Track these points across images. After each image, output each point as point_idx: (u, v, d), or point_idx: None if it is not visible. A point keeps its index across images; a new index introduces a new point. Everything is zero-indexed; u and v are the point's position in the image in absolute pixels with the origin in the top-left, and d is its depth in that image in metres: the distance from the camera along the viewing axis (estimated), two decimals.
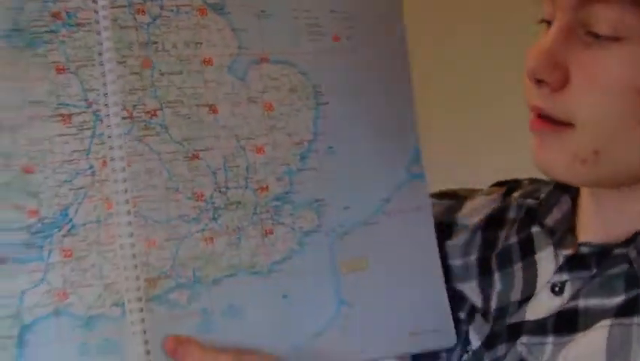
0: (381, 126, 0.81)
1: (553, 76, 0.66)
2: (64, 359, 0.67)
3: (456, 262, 0.82)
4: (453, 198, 0.87)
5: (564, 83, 0.66)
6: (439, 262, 0.81)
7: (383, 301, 0.78)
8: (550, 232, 0.75)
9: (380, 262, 0.78)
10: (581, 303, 0.69)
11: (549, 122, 0.68)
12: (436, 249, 0.81)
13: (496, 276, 0.78)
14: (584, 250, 0.72)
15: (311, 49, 0.78)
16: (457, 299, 0.80)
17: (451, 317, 0.79)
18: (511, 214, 0.81)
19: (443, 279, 0.80)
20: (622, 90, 0.65)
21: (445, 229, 0.83)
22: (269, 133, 0.76)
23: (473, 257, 0.81)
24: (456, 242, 0.83)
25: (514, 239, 0.79)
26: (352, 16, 0.81)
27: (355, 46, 0.80)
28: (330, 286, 0.76)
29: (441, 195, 0.88)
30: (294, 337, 0.74)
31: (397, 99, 0.82)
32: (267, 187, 0.76)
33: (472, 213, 0.84)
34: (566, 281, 0.71)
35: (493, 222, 0.82)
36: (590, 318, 0.67)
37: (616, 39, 0.64)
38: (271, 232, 0.76)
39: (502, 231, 0.81)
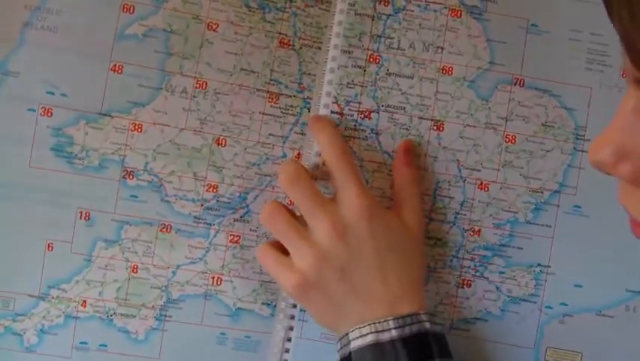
0: None
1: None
2: (201, 343, 0.62)
3: None
4: None
5: None
6: None
7: None
8: None
9: None
10: None
11: None
12: None
13: None
14: None
15: (586, 81, 0.63)
16: None
17: None
18: None
19: None
20: None
21: None
22: (501, 169, 0.63)
23: None
24: None
25: None
26: None
27: None
28: None
29: None
30: None
31: None
32: (479, 231, 0.63)
33: None
34: None
35: None
36: None
37: None
38: (468, 285, 0.62)
39: None
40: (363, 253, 0.57)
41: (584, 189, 0.63)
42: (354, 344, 0.56)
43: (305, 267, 0.57)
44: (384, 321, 0.56)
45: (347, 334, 0.57)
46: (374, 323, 0.56)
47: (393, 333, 0.55)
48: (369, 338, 0.55)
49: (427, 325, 0.56)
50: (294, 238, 0.58)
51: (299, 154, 0.63)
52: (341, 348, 0.57)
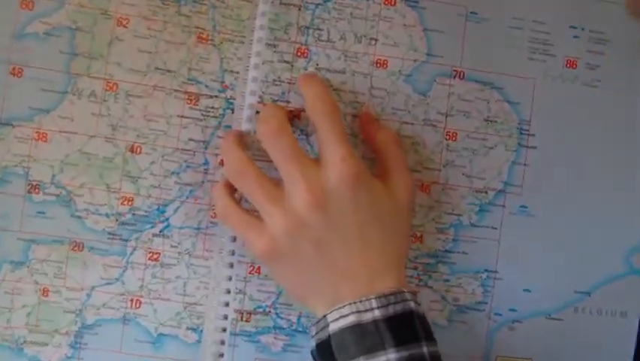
0: (601, 194, 0.59)
1: None
2: None
3: None
4: None
5: None
6: None
7: None
8: None
9: None
10: None
11: None
12: None
13: None
14: None
15: (529, 72, 0.59)
16: None
17: None
18: None
19: None
20: None
21: None
22: (442, 169, 0.58)
23: None
24: None
25: None
26: (604, 39, 0.59)
27: (596, 79, 0.59)
28: None
29: None
30: None
31: (632, 163, 0.59)
32: (421, 237, 0.58)
33: None
34: None
35: None
36: None
37: None
38: None
39: None
40: (344, 224, 0.52)
41: (529, 187, 0.59)
42: (334, 326, 0.50)
43: (277, 233, 0.52)
44: (367, 300, 0.50)
45: (325, 316, 0.51)
46: (355, 303, 0.50)
47: (377, 313, 0.50)
48: (351, 319, 0.50)
49: (412, 304, 0.51)
50: (267, 203, 0.52)
51: (222, 161, 0.57)
52: (317, 333, 0.51)
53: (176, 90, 0.57)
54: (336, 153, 0.52)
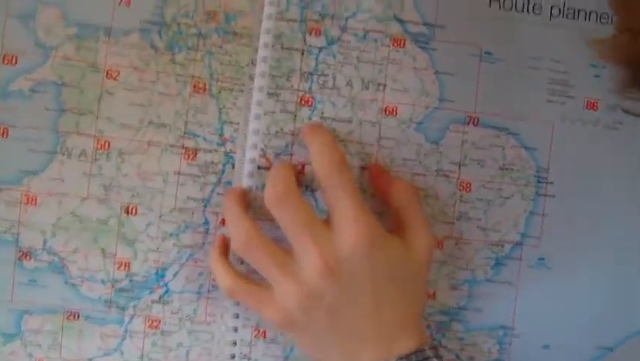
0: (624, 244, 0.56)
1: None
2: None
3: None
4: None
5: None
6: None
7: None
8: None
9: None
10: None
11: None
12: None
13: None
14: None
15: (547, 115, 0.55)
16: None
17: None
18: None
19: None
20: None
21: None
22: (455, 222, 0.55)
23: None
24: None
25: None
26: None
27: (618, 121, 0.56)
28: None
29: None
30: None
31: None
32: (434, 294, 0.55)
33: None
34: None
35: None
36: None
37: None
38: None
39: None
40: (359, 289, 0.49)
41: (548, 238, 0.56)
42: None
43: (289, 305, 0.49)
44: None
45: None
46: None
47: None
48: None
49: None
50: (277, 273, 0.49)
51: (223, 220, 0.54)
52: None
53: (172, 145, 0.54)
54: (347, 214, 0.49)
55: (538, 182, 0.56)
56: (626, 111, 0.54)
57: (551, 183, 0.56)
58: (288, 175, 0.50)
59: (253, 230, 0.50)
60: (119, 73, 0.53)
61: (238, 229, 0.50)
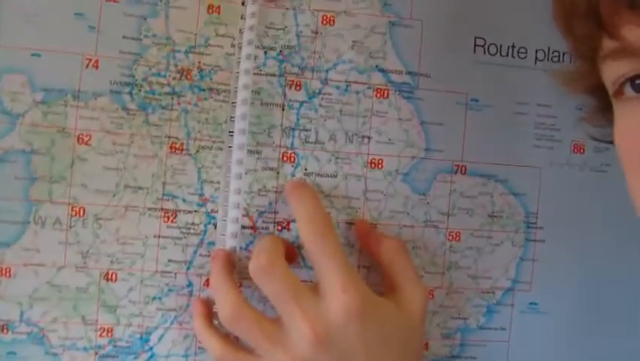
0: (616, 287, 0.55)
1: None
2: None
3: None
4: None
5: None
6: None
7: None
8: None
9: None
10: None
11: None
12: None
13: None
14: None
15: (535, 160, 0.54)
16: None
17: None
18: None
19: None
20: None
21: None
22: (445, 272, 0.54)
23: None
24: None
25: None
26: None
27: (605, 163, 0.55)
28: None
29: None
30: None
31: None
32: (426, 344, 0.54)
33: None
34: None
35: None
36: None
37: None
38: None
39: None
40: (351, 357, 0.48)
41: (539, 282, 0.55)
42: None
43: None
44: None
45: None
46: None
47: None
48: None
49: None
50: (266, 344, 0.48)
51: (208, 281, 0.52)
52: None
53: (150, 208, 0.52)
54: (335, 282, 0.48)
55: (528, 227, 0.55)
56: (593, 138, 0.52)
57: (541, 227, 0.55)
58: (271, 247, 0.49)
59: (239, 302, 0.49)
60: (90, 137, 0.50)
61: (225, 301, 0.49)
